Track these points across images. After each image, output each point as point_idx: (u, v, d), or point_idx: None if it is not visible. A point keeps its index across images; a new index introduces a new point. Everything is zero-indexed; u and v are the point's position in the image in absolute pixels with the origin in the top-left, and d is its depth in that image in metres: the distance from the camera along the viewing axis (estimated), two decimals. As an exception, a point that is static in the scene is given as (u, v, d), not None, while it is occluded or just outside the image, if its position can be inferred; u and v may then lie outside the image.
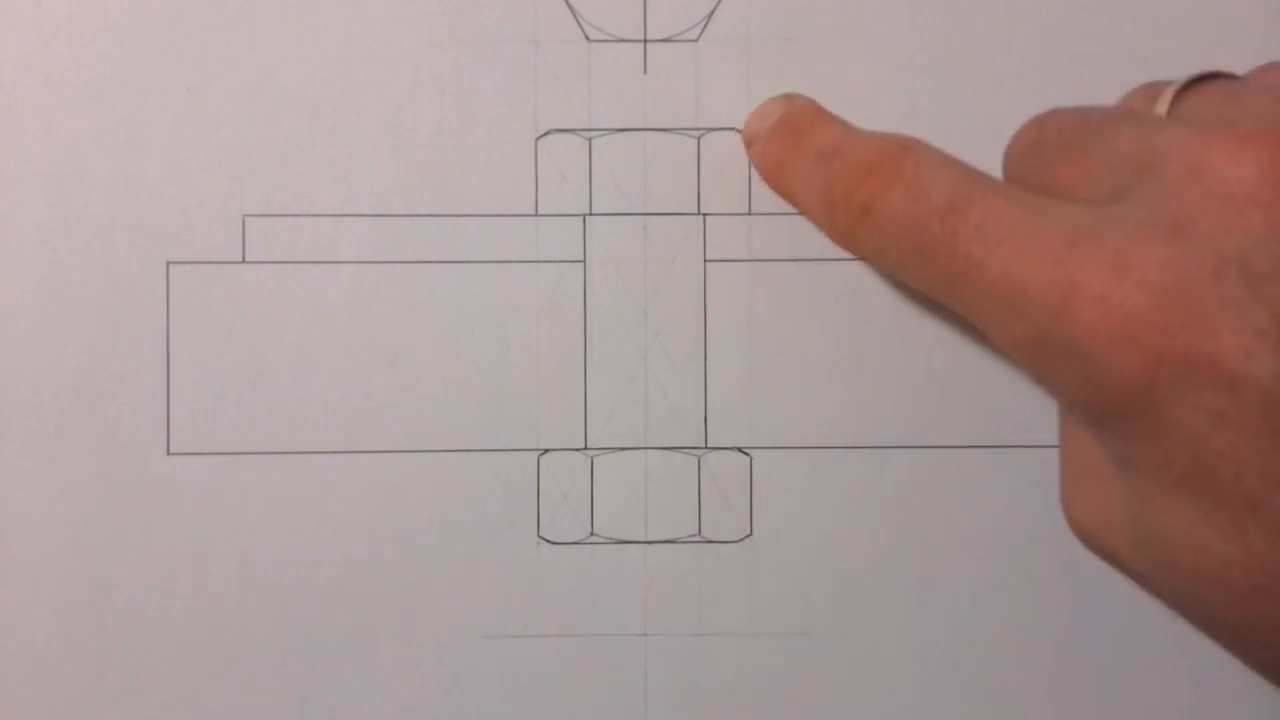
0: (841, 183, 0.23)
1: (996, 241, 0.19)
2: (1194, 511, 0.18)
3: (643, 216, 0.27)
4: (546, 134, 0.27)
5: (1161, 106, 0.20)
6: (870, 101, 0.27)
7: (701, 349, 0.27)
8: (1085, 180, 0.20)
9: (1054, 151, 0.21)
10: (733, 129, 0.27)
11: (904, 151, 0.22)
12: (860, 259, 0.26)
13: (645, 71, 0.27)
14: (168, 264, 0.27)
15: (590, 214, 0.27)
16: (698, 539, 0.27)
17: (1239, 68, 0.27)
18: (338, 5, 0.27)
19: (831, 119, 0.26)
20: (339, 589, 0.27)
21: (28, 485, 0.27)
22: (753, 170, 0.27)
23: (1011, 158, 0.22)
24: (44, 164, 0.27)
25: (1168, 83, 0.21)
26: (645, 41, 0.27)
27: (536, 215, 0.27)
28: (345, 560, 0.27)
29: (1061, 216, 0.19)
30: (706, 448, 0.27)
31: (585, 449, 0.27)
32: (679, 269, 0.27)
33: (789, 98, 0.27)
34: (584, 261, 0.27)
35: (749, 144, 0.27)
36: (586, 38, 0.27)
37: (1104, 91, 0.27)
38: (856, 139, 0.24)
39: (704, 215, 0.27)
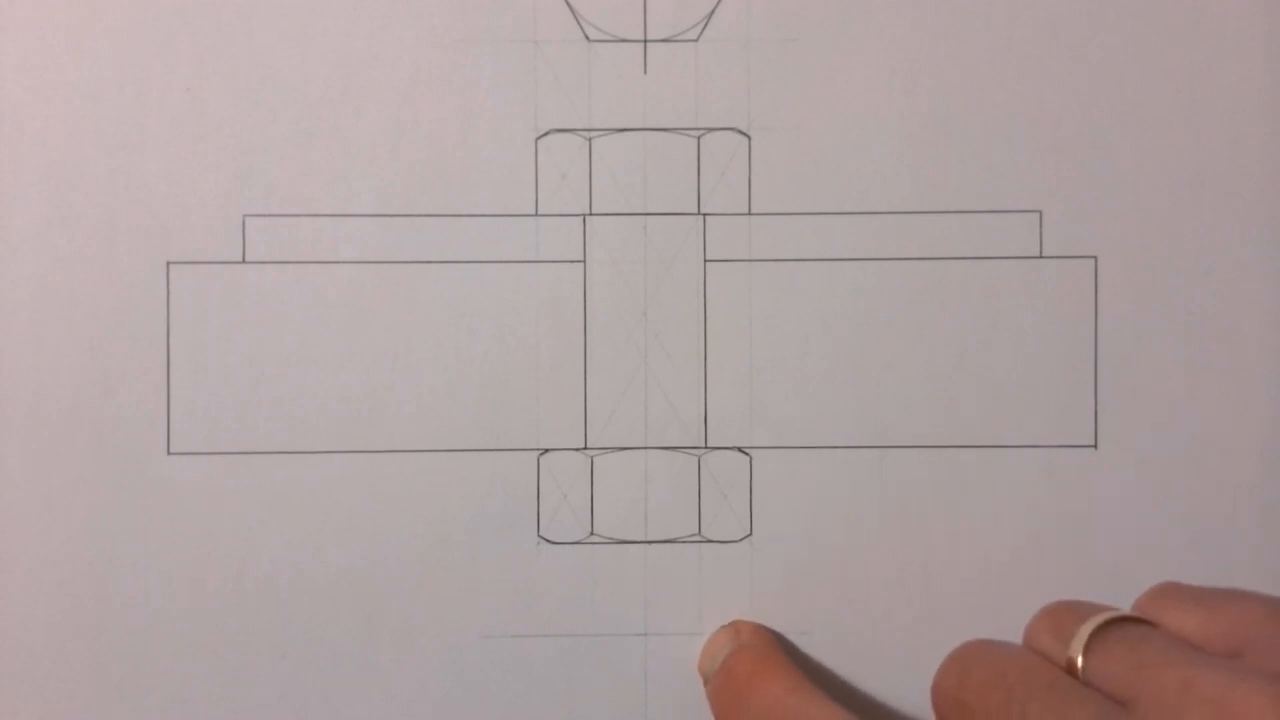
0: None
1: None
2: None
3: (643, 216, 0.27)
4: (546, 134, 0.27)
5: (1075, 650, 0.21)
6: (870, 101, 0.27)
7: (701, 349, 0.27)
8: None
9: (979, 717, 0.21)
10: (733, 129, 0.27)
11: None
12: None
13: (645, 71, 0.27)
14: (168, 264, 0.27)
15: (590, 214, 0.27)
16: (698, 539, 0.27)
17: (1238, 71, 0.27)
18: (338, 5, 0.27)
19: (773, 673, 0.25)
20: (339, 589, 0.27)
21: (28, 485, 0.27)
22: (753, 169, 0.27)
23: (937, 703, 0.23)
24: (44, 164, 0.27)
25: (1076, 610, 0.22)
26: (645, 41, 0.27)
27: (536, 215, 0.27)
28: (345, 560, 0.27)
29: None
30: (706, 448, 0.27)
31: (585, 449, 0.27)
32: (679, 269, 0.27)
33: (736, 631, 0.27)
34: (584, 261, 0.27)
35: (704, 681, 0.27)
36: (586, 38, 0.27)
37: (1103, 91, 0.27)
38: (795, 716, 0.24)
39: (704, 215, 0.27)
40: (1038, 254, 0.27)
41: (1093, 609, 0.22)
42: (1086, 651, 0.21)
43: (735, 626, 0.27)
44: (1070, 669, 0.21)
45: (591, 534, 0.27)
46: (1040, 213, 0.27)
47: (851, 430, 0.27)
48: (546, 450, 0.27)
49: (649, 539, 0.27)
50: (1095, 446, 0.27)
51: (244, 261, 0.27)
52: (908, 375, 0.27)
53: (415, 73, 0.27)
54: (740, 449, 0.27)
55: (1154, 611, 0.22)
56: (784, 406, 0.27)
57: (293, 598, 0.27)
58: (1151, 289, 0.27)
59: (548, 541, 0.27)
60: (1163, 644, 0.20)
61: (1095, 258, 0.27)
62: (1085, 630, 0.21)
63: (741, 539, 0.27)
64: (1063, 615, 0.22)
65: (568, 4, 0.27)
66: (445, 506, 0.27)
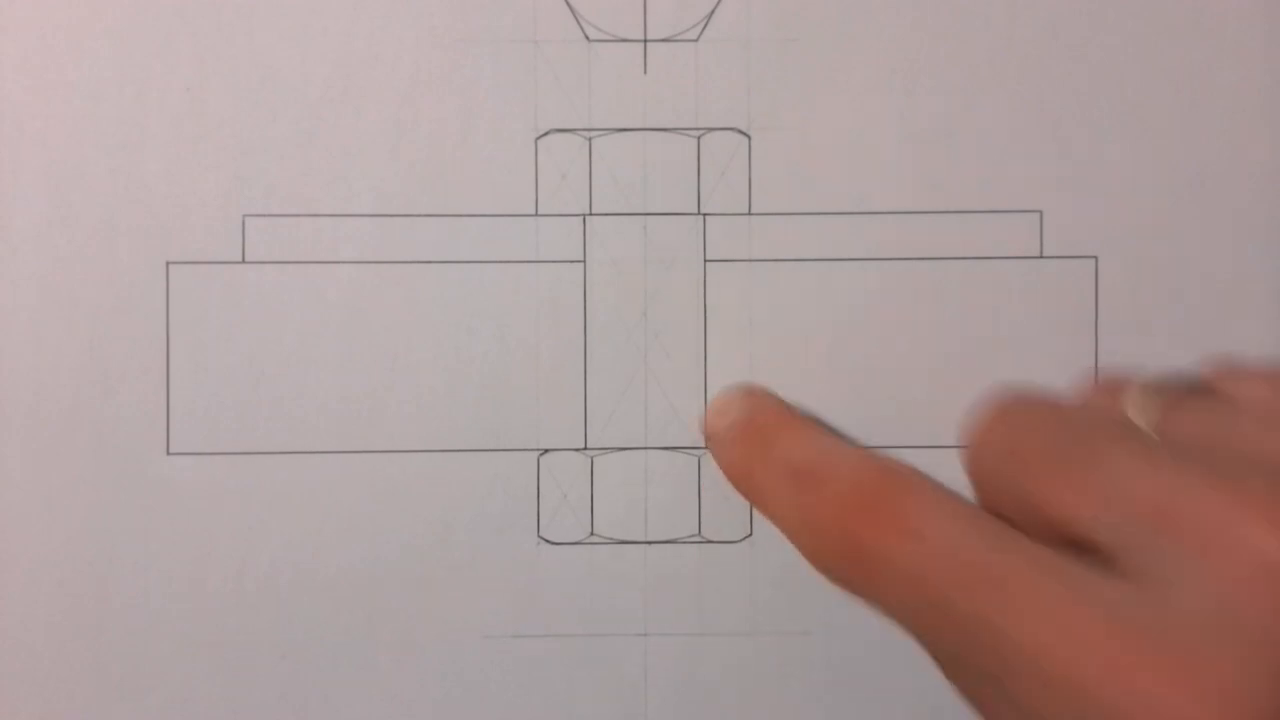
0: (825, 518, 0.20)
1: (1033, 620, 0.17)
2: None
3: (643, 216, 0.27)
4: (546, 134, 0.27)
5: (1136, 413, 0.18)
6: (870, 101, 0.27)
7: (701, 349, 0.27)
8: (1087, 511, 0.18)
9: (1037, 465, 0.18)
10: (733, 129, 0.27)
11: (897, 487, 0.20)
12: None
13: (645, 71, 0.27)
14: (168, 264, 0.27)
15: (590, 214, 0.27)
16: (698, 539, 0.27)
17: (1238, 71, 0.27)
18: (338, 5, 0.27)
19: (801, 424, 0.24)
20: (339, 588, 0.27)
21: (28, 485, 0.27)
22: (753, 169, 0.27)
23: (980, 460, 0.20)
24: (44, 164, 0.27)
25: (1134, 378, 0.19)
26: (645, 41, 0.27)
27: (536, 215, 0.27)
28: (345, 560, 0.27)
29: (1102, 599, 0.17)
30: (707, 448, 0.27)
31: (585, 449, 0.27)
32: (679, 269, 0.27)
33: (748, 391, 0.26)
34: (584, 261, 0.27)
35: (707, 439, 0.26)
36: (586, 38, 0.27)
37: (1103, 91, 0.27)
38: (835, 459, 0.21)
39: (704, 215, 0.27)
40: (1038, 254, 0.27)
41: (1153, 375, 0.19)
42: (1154, 413, 0.18)
43: (747, 387, 0.26)
44: None
45: (591, 534, 0.27)
46: (1040, 213, 0.27)
47: (852, 430, 0.27)
48: (546, 450, 0.27)
49: (649, 539, 0.27)
50: (1095, 446, 0.27)
51: (244, 261, 0.27)
52: (908, 375, 0.27)
53: (415, 73, 0.27)
54: (740, 449, 0.27)
55: (1222, 384, 0.19)
56: (784, 406, 0.27)
57: (293, 598, 0.27)
58: (1151, 289, 0.27)
59: (548, 542, 0.27)
60: (1248, 417, 0.18)
61: (1095, 258, 0.27)
62: (1150, 392, 0.19)
63: (741, 539, 0.27)
64: (1114, 380, 0.20)
65: (568, 4, 0.27)
66: (445, 506, 0.27)
